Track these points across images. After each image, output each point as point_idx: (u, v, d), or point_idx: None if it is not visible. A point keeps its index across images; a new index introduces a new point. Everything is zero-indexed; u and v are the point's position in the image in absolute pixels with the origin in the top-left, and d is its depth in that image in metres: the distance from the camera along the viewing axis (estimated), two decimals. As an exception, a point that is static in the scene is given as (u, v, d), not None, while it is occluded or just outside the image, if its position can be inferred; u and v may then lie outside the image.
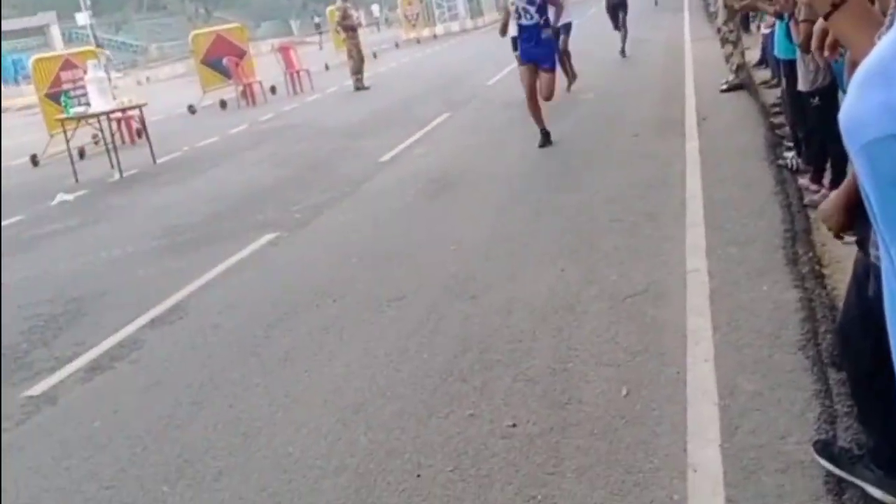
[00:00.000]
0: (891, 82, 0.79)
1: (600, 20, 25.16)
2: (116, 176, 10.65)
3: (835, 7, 1.15)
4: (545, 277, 4.80)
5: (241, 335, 4.67)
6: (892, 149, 0.79)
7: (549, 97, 8.38)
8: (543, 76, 8.27)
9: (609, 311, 4.18)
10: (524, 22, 8.14)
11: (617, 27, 14.55)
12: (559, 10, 8.47)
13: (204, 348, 4.57)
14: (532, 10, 8.05)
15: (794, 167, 6.07)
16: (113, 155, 10.83)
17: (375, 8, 44.57)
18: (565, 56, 11.52)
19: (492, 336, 4.11)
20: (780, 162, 6.35)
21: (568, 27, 11.53)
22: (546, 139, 8.40)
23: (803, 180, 5.72)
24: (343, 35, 17.02)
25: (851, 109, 0.84)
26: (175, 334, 4.88)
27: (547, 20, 8.19)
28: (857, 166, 0.85)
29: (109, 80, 13.71)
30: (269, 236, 6.67)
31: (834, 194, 2.21)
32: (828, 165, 5.41)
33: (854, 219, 2.03)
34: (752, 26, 12.37)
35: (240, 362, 4.29)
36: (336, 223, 6.89)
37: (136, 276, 6.22)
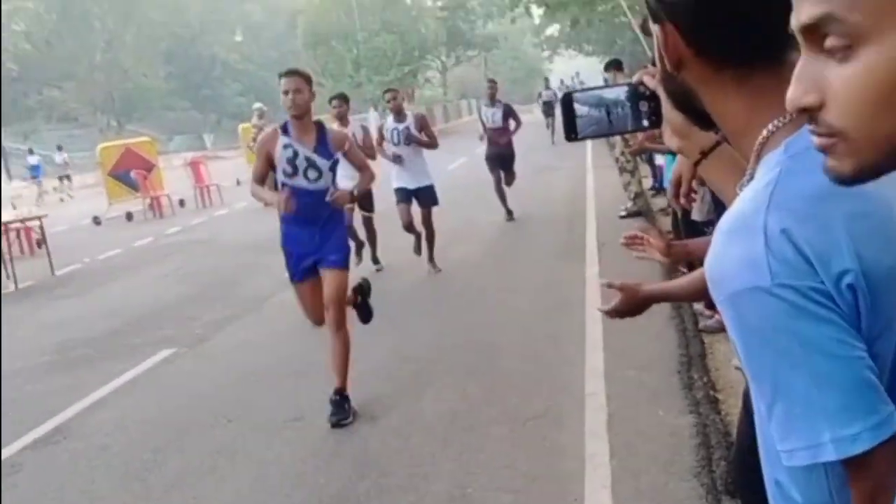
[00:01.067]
0: (752, 235, 0.84)
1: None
2: (11, 287, 10.25)
3: (703, 155, 1.21)
4: (446, 399, 4.79)
5: (128, 458, 4.46)
6: (755, 300, 0.82)
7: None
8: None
9: (509, 434, 4.18)
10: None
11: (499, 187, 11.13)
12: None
13: (87, 473, 4.34)
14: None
15: (688, 292, 6.30)
16: (9, 266, 10.45)
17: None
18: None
19: (391, 460, 4.04)
20: (675, 287, 6.58)
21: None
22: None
23: (698, 305, 5.94)
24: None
25: (716, 260, 0.88)
26: (57, 457, 4.62)
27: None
28: (723, 315, 0.89)
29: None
30: (166, 353, 6.48)
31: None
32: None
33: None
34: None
35: (123, 489, 4.07)
36: (237, 340, 6.75)
37: (21, 393, 5.91)
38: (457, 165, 20.22)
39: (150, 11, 51.92)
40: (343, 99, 8.33)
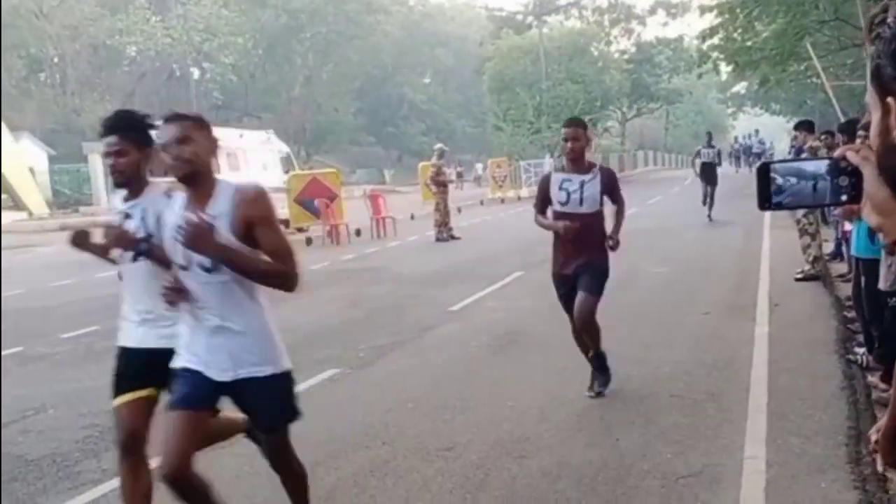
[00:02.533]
0: None
1: (682, 198, 25.58)
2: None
3: None
4: (598, 446, 4.73)
5: (288, 467, 4.69)
6: None
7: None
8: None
9: (661, 489, 4.08)
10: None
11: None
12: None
13: (248, 478, 4.60)
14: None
15: (865, 364, 5.94)
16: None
17: (479, 167, 45.90)
18: None
19: (538, 500, 4.04)
20: (851, 357, 6.22)
21: None
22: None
23: (873, 378, 5.58)
24: (434, 189, 17.67)
25: None
26: (219, 461, 4.93)
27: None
28: None
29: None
30: (330, 372, 6.77)
31: (883, 422, 2.09)
32: (900, 367, 5.27)
33: None
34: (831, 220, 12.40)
35: (280, 499, 4.29)
36: (398, 366, 6.97)
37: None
38: (628, 215, 19.88)
39: (347, 51, 54.93)
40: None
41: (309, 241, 17.39)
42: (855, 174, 1.13)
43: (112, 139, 3.43)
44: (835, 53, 22.60)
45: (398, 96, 60.68)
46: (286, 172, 21.37)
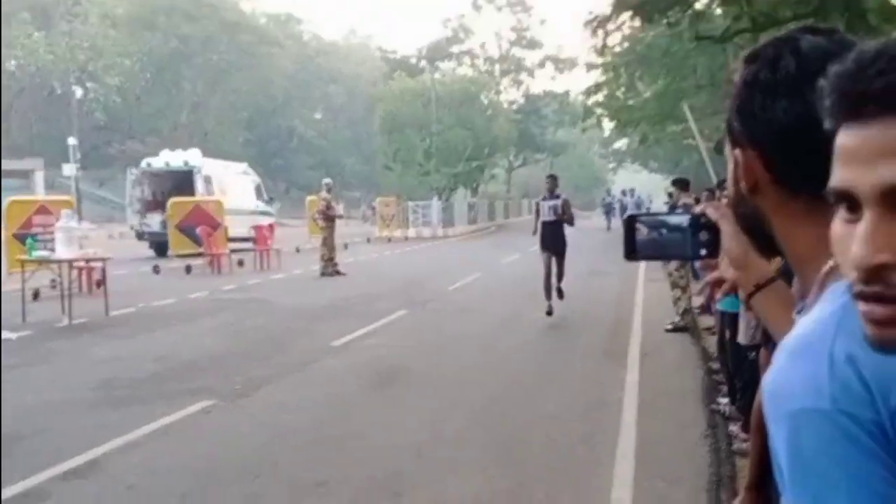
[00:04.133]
0: (817, 358, 0.83)
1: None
2: (65, 321, 10.56)
3: (757, 288, 1.24)
4: (472, 484, 4.78)
5: (153, 501, 4.53)
6: (812, 422, 0.81)
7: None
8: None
9: (530, 527, 4.15)
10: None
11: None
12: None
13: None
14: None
15: (727, 414, 6.24)
16: (66, 301, 10.80)
17: (365, 208, 45.88)
18: None
19: (408, 536, 4.04)
20: (714, 407, 6.53)
21: None
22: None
23: (734, 427, 5.86)
24: (322, 224, 17.56)
25: (778, 376, 0.86)
26: (85, 490, 4.72)
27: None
28: (775, 433, 0.85)
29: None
30: (204, 403, 6.59)
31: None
32: (758, 416, 5.57)
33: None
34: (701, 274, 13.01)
35: None
36: (275, 399, 6.85)
37: (60, 424, 6.06)
38: (509, 261, 20.36)
39: (238, 81, 54.27)
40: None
41: (189, 270, 16.91)
42: (714, 230, 1.19)
43: None
44: (710, 117, 23.95)
45: (288, 129, 60.22)
46: (258, 198, 25.97)
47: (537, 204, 11.83)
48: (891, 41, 0.73)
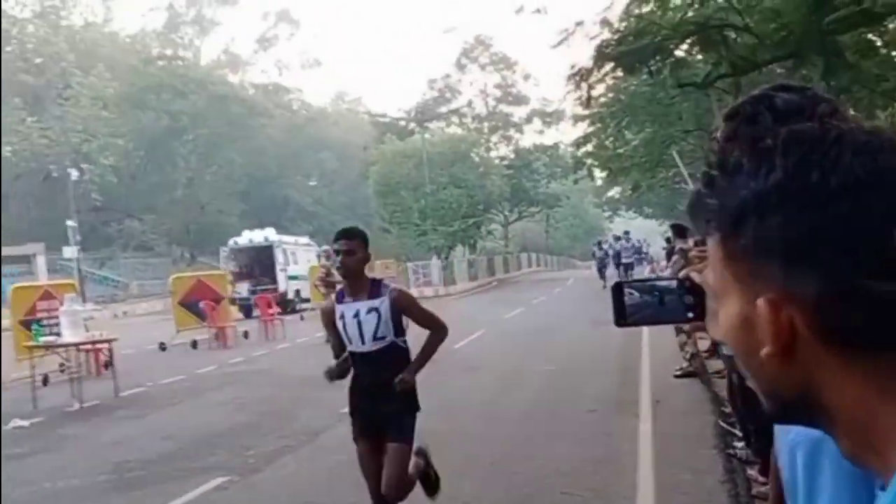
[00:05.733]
0: None
1: (564, 298, 26.39)
2: (76, 406, 10.57)
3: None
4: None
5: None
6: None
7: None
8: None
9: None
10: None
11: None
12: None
13: None
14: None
15: (744, 458, 6.24)
16: (76, 385, 10.81)
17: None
18: None
19: None
20: (730, 451, 6.53)
21: None
22: None
23: (752, 471, 5.86)
24: (323, 290, 17.65)
25: None
26: None
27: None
28: (788, 455, 0.86)
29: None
30: (218, 480, 6.59)
31: None
32: (774, 459, 5.58)
33: None
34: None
35: None
36: (289, 472, 6.85)
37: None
38: (512, 315, 20.41)
39: (230, 153, 54.84)
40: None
41: (195, 345, 16.93)
42: (699, 292, 1.20)
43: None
44: (699, 160, 24.27)
45: (283, 198, 60.65)
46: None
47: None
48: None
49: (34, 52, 51.35)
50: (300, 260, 28.60)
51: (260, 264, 27.63)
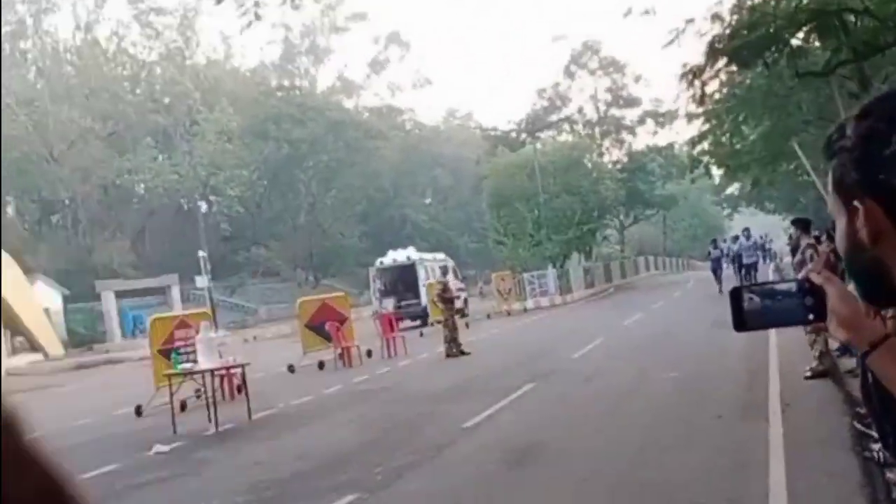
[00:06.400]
0: None
1: (684, 301, 25.70)
2: (212, 430, 11.07)
3: (872, 347, 1.22)
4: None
5: None
6: None
7: None
8: None
9: None
10: None
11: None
12: None
13: None
14: None
15: (882, 460, 5.95)
16: (212, 409, 11.33)
17: (481, 285, 46.23)
18: None
19: None
20: (867, 454, 6.24)
21: None
22: None
23: (891, 474, 5.59)
24: (441, 306, 17.93)
25: None
26: None
27: None
28: None
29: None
30: (349, 497, 6.78)
31: None
32: (915, 460, 5.33)
33: None
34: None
35: None
36: (416, 486, 6.98)
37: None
38: (631, 321, 20.06)
39: (349, 177, 56.32)
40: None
41: (322, 366, 17.46)
42: (819, 293, 1.21)
43: None
44: (822, 151, 23.22)
45: (400, 217, 61.77)
46: (455, 279, 30.00)
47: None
48: None
49: (162, 92, 54.32)
50: (438, 275, 30.94)
51: (403, 281, 29.70)
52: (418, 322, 27.85)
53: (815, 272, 1.25)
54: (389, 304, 28.08)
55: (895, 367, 1.22)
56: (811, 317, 1.23)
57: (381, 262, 32.51)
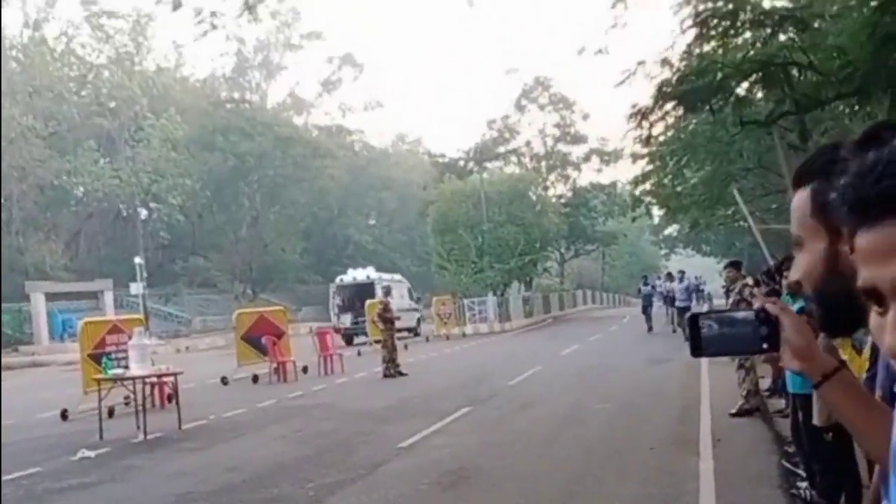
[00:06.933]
0: None
1: (621, 335, 26.11)
2: (140, 437, 10.82)
3: (825, 378, 1.26)
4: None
5: None
6: None
7: None
8: None
9: None
10: None
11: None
12: None
13: None
14: None
15: (809, 499, 6.11)
16: (141, 417, 11.08)
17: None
18: None
19: None
20: (794, 492, 6.39)
21: None
22: None
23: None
24: (381, 326, 17.87)
25: None
26: None
27: None
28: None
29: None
30: (280, 511, 6.70)
31: None
32: (842, 501, 5.48)
33: None
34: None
35: None
36: (348, 504, 6.92)
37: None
38: (568, 352, 20.29)
39: (294, 193, 55.94)
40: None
41: (256, 379, 17.21)
42: (773, 324, 1.25)
43: None
44: (759, 199, 23.94)
45: (344, 237, 61.52)
46: (410, 299, 33.98)
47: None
48: (890, 147, 0.82)
49: (108, 96, 53.26)
50: (395, 295, 31.63)
51: (360, 298, 29.91)
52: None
53: (770, 303, 1.29)
54: (347, 319, 31.20)
55: (846, 398, 1.26)
56: (765, 346, 1.26)
57: (342, 280, 34.01)
